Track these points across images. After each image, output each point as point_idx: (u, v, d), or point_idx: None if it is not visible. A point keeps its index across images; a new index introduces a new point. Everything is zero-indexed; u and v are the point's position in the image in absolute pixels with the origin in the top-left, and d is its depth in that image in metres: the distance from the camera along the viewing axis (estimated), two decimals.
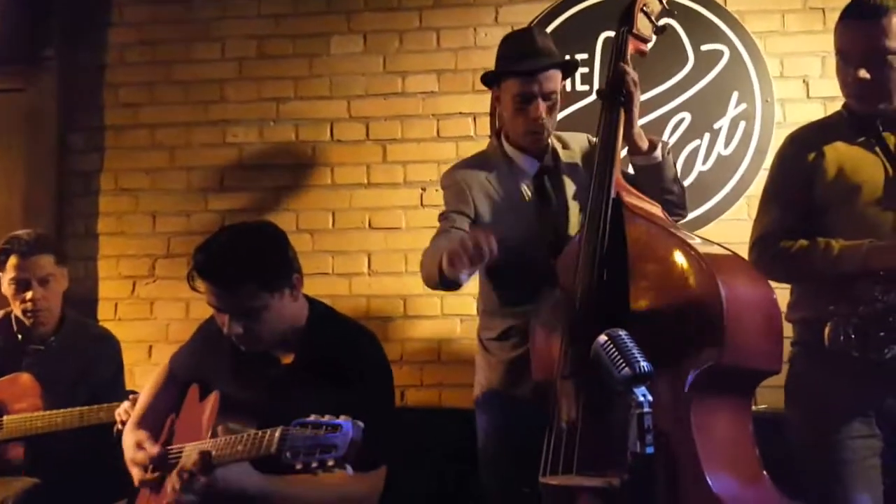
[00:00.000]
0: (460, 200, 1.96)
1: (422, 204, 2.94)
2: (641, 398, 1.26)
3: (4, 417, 2.30)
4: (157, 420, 1.84)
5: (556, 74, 1.94)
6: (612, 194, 1.70)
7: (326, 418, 1.30)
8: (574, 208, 1.96)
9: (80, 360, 2.43)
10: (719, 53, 2.83)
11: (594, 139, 1.96)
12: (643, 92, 2.71)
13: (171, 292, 3.04)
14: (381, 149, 3.00)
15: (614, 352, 1.29)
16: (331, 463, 1.28)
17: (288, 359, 1.69)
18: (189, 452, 1.61)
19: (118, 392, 2.40)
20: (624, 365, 1.28)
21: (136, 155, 3.12)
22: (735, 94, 2.81)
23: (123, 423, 2.01)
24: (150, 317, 3.07)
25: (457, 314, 2.88)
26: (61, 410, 2.26)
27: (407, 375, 2.83)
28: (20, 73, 3.10)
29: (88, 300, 3.06)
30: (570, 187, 1.98)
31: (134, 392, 2.39)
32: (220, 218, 3.02)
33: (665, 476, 1.42)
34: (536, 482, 1.57)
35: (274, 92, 3.05)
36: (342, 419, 1.29)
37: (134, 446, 1.76)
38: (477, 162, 2.06)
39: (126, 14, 3.15)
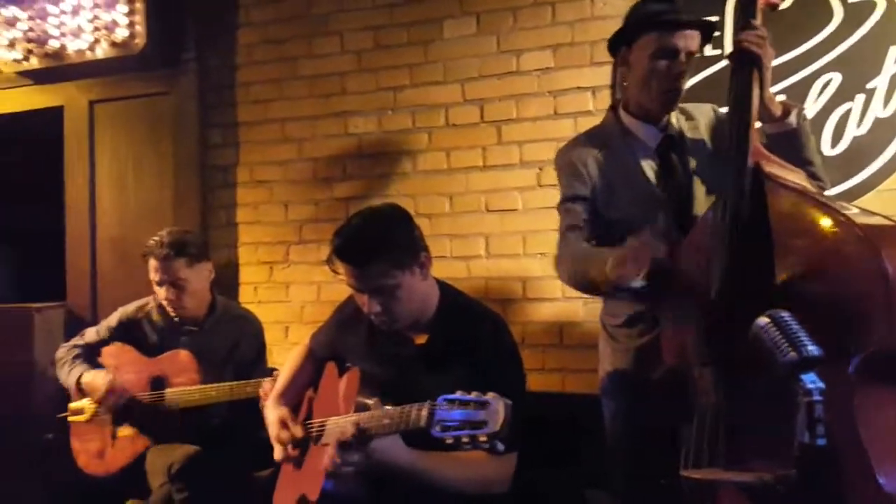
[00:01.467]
0: (577, 182, 1.75)
1: (539, 184, 2.65)
2: (811, 385, 1.09)
3: (167, 390, 2.36)
4: (296, 394, 1.87)
5: (697, 35, 1.69)
6: (750, 163, 1.44)
7: (473, 394, 1.25)
8: (699, 183, 1.70)
9: (229, 339, 2.46)
10: (871, 5, 2.30)
11: (720, 110, 1.76)
12: (783, 52, 2.32)
13: (304, 276, 2.98)
14: (496, 130, 2.72)
15: (778, 335, 1.12)
16: (483, 439, 1.22)
17: (421, 339, 1.67)
18: (333, 426, 1.60)
19: (261, 369, 2.42)
20: (789, 349, 1.10)
21: (268, 148, 3.06)
22: (892, 50, 2.27)
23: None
24: (286, 299, 3.02)
25: (579, 297, 2.55)
26: (214, 385, 2.30)
27: (529, 359, 2.46)
28: (164, 77, 3.11)
29: (232, 284, 3.06)
30: (695, 161, 1.72)
31: (275, 369, 2.38)
32: (344, 205, 2.90)
33: (829, 472, 1.21)
34: (669, 473, 1.40)
35: (391, 81, 2.86)
36: (490, 396, 1.24)
37: (278, 423, 1.76)
38: (591, 138, 1.82)
39: (252, 15, 3.07)
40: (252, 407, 2.15)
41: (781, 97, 2.25)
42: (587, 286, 1.67)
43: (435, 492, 1.50)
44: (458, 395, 1.27)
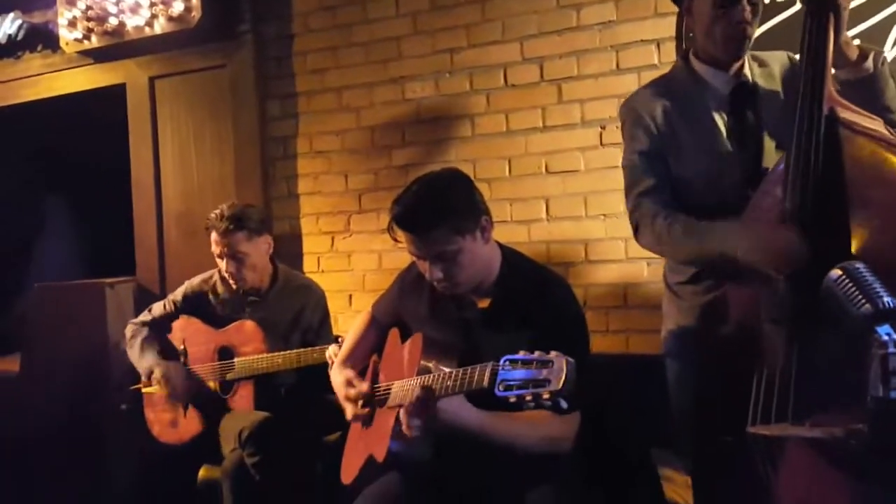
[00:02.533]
0: (647, 136, 1.68)
1: (601, 143, 2.58)
2: (885, 337, 1.07)
3: (235, 359, 2.38)
4: (361, 360, 1.89)
5: None
6: (825, 110, 1.38)
7: (536, 354, 1.25)
8: (769, 135, 1.63)
9: (293, 308, 2.46)
10: None
11: (795, 57, 1.68)
12: None
13: (365, 245, 2.99)
14: (557, 89, 2.64)
15: (851, 287, 1.10)
16: (546, 396, 1.21)
17: (484, 303, 1.65)
18: (398, 389, 1.61)
19: (326, 336, 2.44)
20: (864, 301, 1.08)
21: (326, 118, 3.04)
22: None
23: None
24: (348, 268, 3.03)
25: (643, 257, 2.51)
26: (280, 353, 2.30)
27: (592, 321, 2.43)
28: (221, 49, 3.10)
29: (295, 255, 3.08)
30: (769, 110, 1.65)
31: (339, 336, 2.41)
32: (404, 172, 2.88)
33: None
34: (735, 431, 1.38)
35: (448, 43, 2.80)
36: (553, 354, 1.24)
37: (344, 384, 1.78)
38: (659, 87, 1.75)
39: None
40: (319, 373, 2.18)
41: (857, 42, 2.17)
42: (696, 262, 1.62)
43: (501, 451, 1.50)
44: (521, 354, 1.28)
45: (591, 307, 2.56)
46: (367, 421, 1.75)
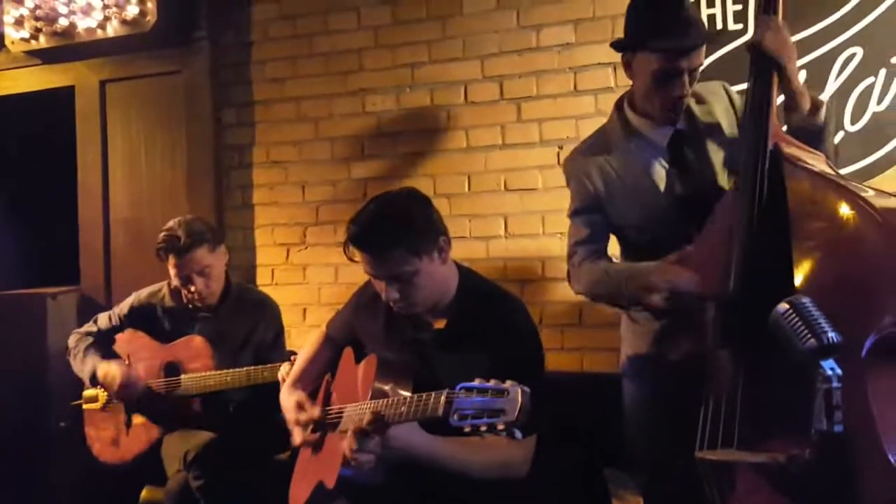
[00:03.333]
0: (582, 193, 1.74)
1: (559, 162, 2.58)
2: (829, 372, 1.10)
3: (182, 376, 2.32)
4: (313, 379, 1.86)
5: (703, 48, 1.60)
6: (770, 145, 1.42)
7: (492, 383, 1.24)
8: (720, 170, 1.66)
9: (245, 324, 2.41)
10: None
11: (731, 89, 1.72)
12: (805, 28, 2.28)
13: (321, 258, 2.95)
14: (516, 107, 2.67)
15: (797, 322, 1.12)
16: (500, 427, 1.21)
17: (440, 323, 1.65)
18: (351, 413, 1.59)
19: (279, 353, 2.37)
20: (809, 336, 1.11)
21: (284, 128, 3.01)
22: None
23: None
24: (304, 281, 2.98)
25: None
26: (230, 370, 2.26)
27: (548, 339, 2.44)
28: (176, 55, 3.04)
29: (248, 266, 3.04)
30: (710, 149, 1.66)
31: (293, 352, 2.37)
32: (362, 185, 2.86)
33: (843, 455, 1.20)
34: (689, 454, 1.40)
35: (409, 58, 2.80)
36: (508, 384, 1.23)
37: (294, 407, 1.75)
38: (595, 144, 1.76)
39: None
40: (269, 391, 2.13)
41: (803, 73, 2.24)
42: (607, 301, 1.72)
43: (454, 477, 1.49)
44: (477, 383, 1.26)
45: (548, 325, 2.57)
46: (317, 446, 1.72)
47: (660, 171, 1.66)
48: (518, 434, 1.21)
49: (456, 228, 2.64)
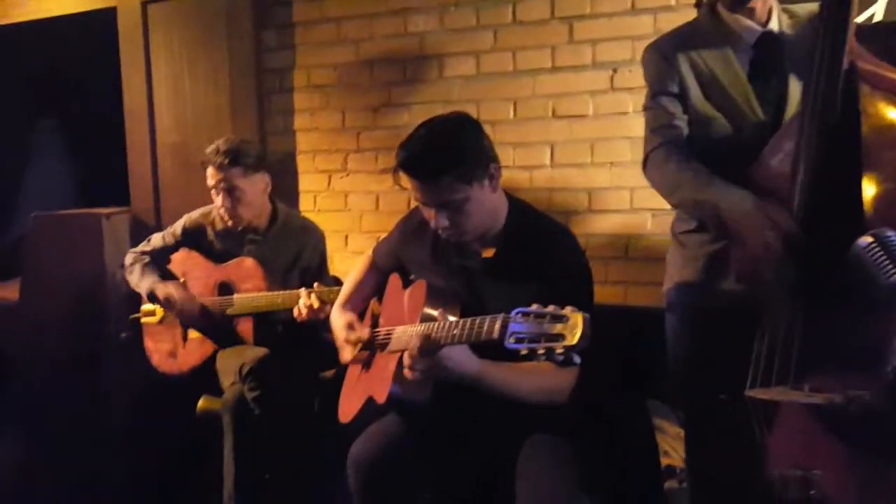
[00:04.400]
0: (665, 76, 1.63)
1: (612, 87, 2.47)
2: None
3: (235, 296, 2.37)
4: (360, 303, 1.93)
5: None
6: (846, 63, 1.31)
7: (551, 308, 1.23)
8: (795, 86, 1.55)
9: (292, 249, 2.45)
10: None
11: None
12: None
13: (362, 185, 2.93)
14: (568, 27, 2.51)
15: (881, 256, 1.09)
16: (559, 351, 1.19)
17: (489, 252, 1.65)
18: (400, 335, 1.63)
19: (324, 277, 2.44)
20: (893, 271, 1.08)
21: (324, 50, 2.91)
22: None
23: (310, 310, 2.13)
24: (345, 208, 2.98)
25: (649, 208, 2.45)
26: (281, 292, 2.30)
27: (591, 272, 2.51)
28: None
29: (291, 192, 3.02)
30: (793, 61, 1.56)
31: (336, 278, 2.50)
32: (404, 111, 2.78)
33: None
34: (732, 389, 1.38)
35: None
36: (568, 309, 1.22)
37: (345, 326, 1.81)
38: (683, 34, 1.67)
39: None
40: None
41: None
42: (693, 211, 1.60)
43: (500, 399, 1.51)
44: (535, 307, 1.25)
45: (592, 257, 2.40)
46: (366, 364, 1.77)
47: (746, 68, 1.58)
48: (577, 359, 1.20)
49: (499, 157, 2.58)
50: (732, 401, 1.37)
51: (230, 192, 2.33)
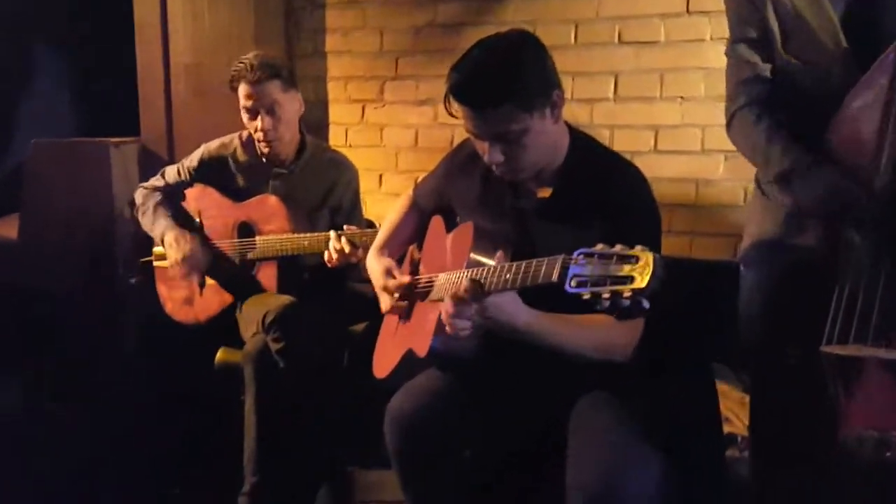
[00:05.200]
0: (746, 19, 1.60)
1: (687, 10, 2.49)
2: None
3: (257, 237, 2.38)
4: (399, 248, 1.92)
5: None
6: None
7: (617, 247, 1.20)
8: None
9: (322, 185, 2.45)
10: None
11: None
12: None
13: (400, 118, 2.96)
14: None
15: None
16: (627, 294, 1.16)
17: (545, 192, 1.65)
18: (444, 282, 1.62)
19: (357, 219, 2.44)
20: None
21: None
22: None
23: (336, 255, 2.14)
24: (380, 144, 3.01)
25: (721, 150, 2.47)
26: (308, 234, 2.31)
27: None
28: None
29: (320, 124, 3.06)
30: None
31: (370, 222, 2.52)
32: (451, 33, 2.81)
33: None
34: (806, 344, 1.43)
35: None
36: (638, 249, 1.19)
37: (382, 273, 1.81)
38: None
39: None
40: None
41: None
42: (773, 179, 1.63)
43: (553, 354, 1.52)
44: (600, 248, 1.22)
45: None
46: (405, 314, 1.78)
47: (837, 12, 1.55)
48: (646, 304, 1.17)
49: None
50: (805, 358, 1.43)
51: (270, 109, 2.30)
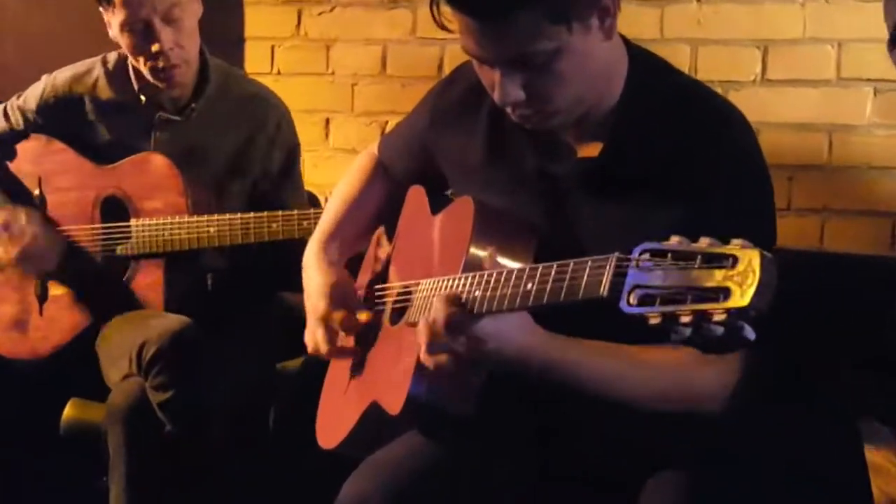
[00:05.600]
0: None
1: None
2: None
3: (132, 221, 2.40)
4: (356, 239, 1.96)
5: None
6: None
7: (703, 241, 1.18)
8: None
9: (235, 137, 2.48)
10: None
11: None
12: None
13: (356, 29, 2.98)
14: None
15: None
16: (719, 317, 1.13)
17: (591, 149, 1.64)
18: (426, 292, 1.64)
19: (291, 190, 2.51)
20: None
21: None
22: None
23: None
24: (326, 71, 3.02)
25: (869, 79, 2.50)
26: (214, 217, 2.34)
27: None
28: None
29: (230, 40, 3.08)
30: None
31: (312, 194, 2.58)
32: None
33: None
34: None
35: None
36: (737, 244, 1.16)
37: (326, 289, 1.81)
38: None
39: None
40: (276, 254, 2.30)
41: None
42: None
43: (597, 407, 1.52)
44: (675, 242, 1.20)
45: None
46: (364, 345, 1.79)
47: None
48: (749, 331, 1.14)
49: None
50: None
51: (168, 15, 2.27)
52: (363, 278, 1.90)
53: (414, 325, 1.57)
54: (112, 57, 2.45)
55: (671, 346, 1.23)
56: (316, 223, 1.98)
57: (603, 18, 1.52)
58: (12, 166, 2.50)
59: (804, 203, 2.55)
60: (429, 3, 1.55)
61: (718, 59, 2.64)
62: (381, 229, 1.97)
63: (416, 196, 1.85)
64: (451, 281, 1.55)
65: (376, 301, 1.82)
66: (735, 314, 1.12)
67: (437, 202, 1.80)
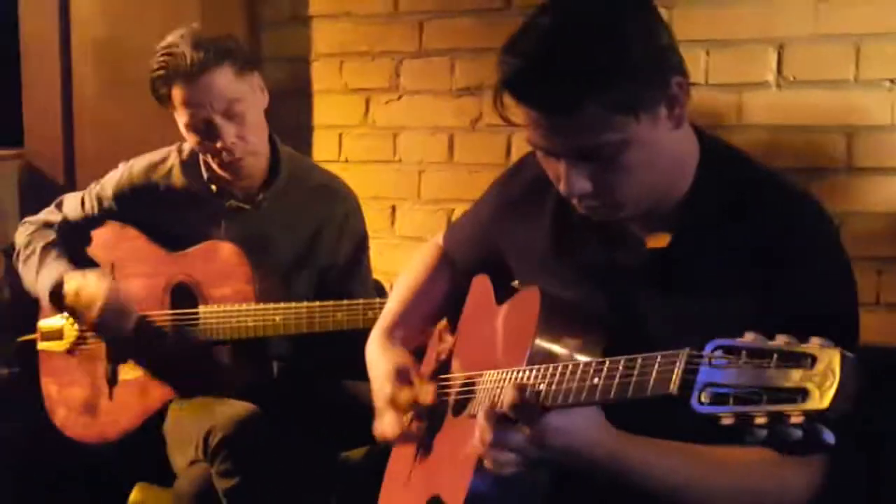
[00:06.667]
0: None
1: None
2: None
3: (200, 308, 2.41)
4: (420, 329, 1.97)
5: None
6: None
7: (780, 339, 1.17)
8: None
9: (303, 227, 2.50)
10: None
11: None
12: None
13: (423, 116, 2.99)
14: None
15: None
16: (795, 420, 1.13)
17: (660, 239, 1.64)
18: (490, 386, 1.64)
19: (359, 280, 2.52)
20: None
21: None
22: None
23: None
24: (393, 158, 3.02)
25: None
26: (280, 305, 2.34)
27: None
28: None
29: (301, 126, 3.09)
30: None
31: (379, 283, 2.60)
32: None
33: None
34: None
35: None
36: (815, 343, 1.15)
37: (392, 375, 1.82)
38: None
39: None
40: (344, 343, 2.19)
41: None
42: None
43: None
44: (750, 339, 1.18)
45: (853, 256, 2.46)
46: (426, 438, 1.80)
47: None
48: (829, 436, 1.14)
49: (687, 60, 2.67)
50: None
51: (229, 112, 2.30)
52: (425, 370, 1.88)
53: (474, 417, 1.60)
54: (186, 146, 2.47)
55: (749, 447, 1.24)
56: (381, 313, 1.99)
57: (671, 107, 1.52)
58: (88, 251, 2.52)
59: (892, 299, 2.49)
60: (493, 96, 1.54)
61: (799, 145, 2.56)
62: (443, 322, 1.97)
63: (482, 285, 1.85)
64: (515, 373, 1.54)
65: (440, 392, 1.80)
66: (814, 417, 1.11)
67: (503, 293, 1.79)
